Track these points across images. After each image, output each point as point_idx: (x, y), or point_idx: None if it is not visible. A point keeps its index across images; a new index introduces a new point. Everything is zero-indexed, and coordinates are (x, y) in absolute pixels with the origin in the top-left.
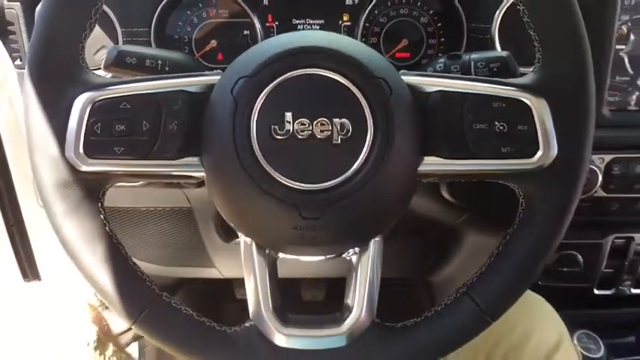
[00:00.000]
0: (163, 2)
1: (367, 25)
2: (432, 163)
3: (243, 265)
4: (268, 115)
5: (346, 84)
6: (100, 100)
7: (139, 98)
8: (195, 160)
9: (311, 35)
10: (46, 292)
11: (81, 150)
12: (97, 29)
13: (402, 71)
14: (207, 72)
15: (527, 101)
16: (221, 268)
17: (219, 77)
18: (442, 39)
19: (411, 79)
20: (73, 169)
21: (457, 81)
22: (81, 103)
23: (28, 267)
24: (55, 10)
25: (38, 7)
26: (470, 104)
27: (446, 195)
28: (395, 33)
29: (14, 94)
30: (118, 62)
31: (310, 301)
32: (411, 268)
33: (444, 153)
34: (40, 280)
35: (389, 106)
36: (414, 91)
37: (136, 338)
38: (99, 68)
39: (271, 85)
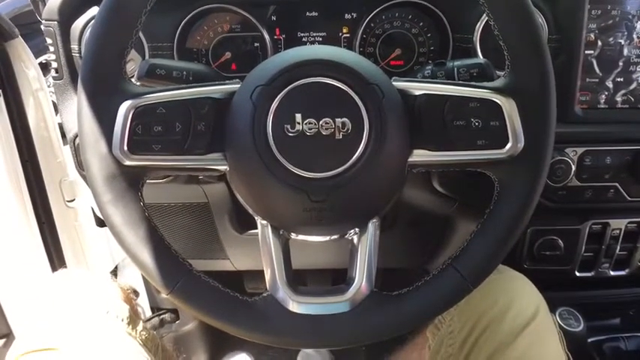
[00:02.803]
0: (184, 21)
1: (364, 36)
2: (420, 155)
3: (261, 245)
4: (282, 116)
5: (346, 89)
6: (140, 106)
7: (172, 104)
8: (219, 155)
9: (316, 49)
10: (80, 277)
11: (125, 147)
12: None
13: (394, 78)
14: (228, 81)
15: (498, 101)
16: (234, 261)
17: (239, 86)
18: (431, 47)
19: (400, 84)
20: (118, 164)
21: (439, 85)
22: (125, 109)
23: (57, 258)
24: (104, 33)
25: (75, 26)
26: (450, 104)
27: (437, 187)
28: (389, 43)
29: (45, 102)
30: (150, 74)
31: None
32: (410, 257)
33: (430, 146)
34: (66, 267)
35: (382, 108)
36: (403, 95)
37: (156, 327)
38: (132, 77)
39: (284, 92)
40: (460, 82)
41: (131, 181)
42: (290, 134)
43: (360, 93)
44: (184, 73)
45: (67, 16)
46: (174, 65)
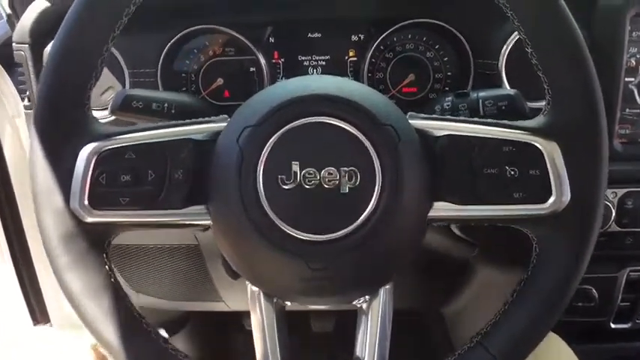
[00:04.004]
0: (170, 43)
1: (373, 60)
2: (442, 209)
3: (251, 313)
4: (275, 165)
5: (353, 132)
6: (105, 150)
7: (144, 147)
8: (201, 208)
9: (315, 81)
10: (53, 334)
11: (86, 201)
12: (105, 70)
13: (410, 114)
14: (213, 118)
15: (538, 145)
16: (229, 302)
17: (225, 124)
18: (449, 73)
19: (419, 123)
20: (77, 221)
21: (465, 124)
22: (86, 154)
23: (38, 310)
24: (63, 58)
25: (47, 50)
26: (479, 148)
27: (457, 232)
28: (401, 68)
29: (23, 130)
30: (125, 106)
31: (319, 332)
32: (422, 300)
33: (454, 198)
34: (49, 323)
35: (397, 153)
36: (422, 135)
37: None
38: (106, 108)
39: (277, 135)
40: (490, 120)
41: (93, 241)
42: (285, 187)
43: (371, 136)
44: (166, 105)
45: (39, 39)
46: (154, 96)
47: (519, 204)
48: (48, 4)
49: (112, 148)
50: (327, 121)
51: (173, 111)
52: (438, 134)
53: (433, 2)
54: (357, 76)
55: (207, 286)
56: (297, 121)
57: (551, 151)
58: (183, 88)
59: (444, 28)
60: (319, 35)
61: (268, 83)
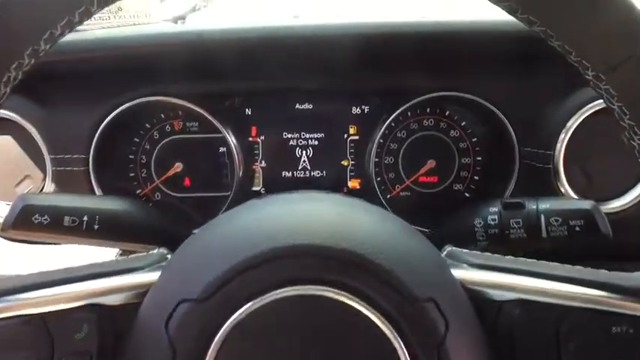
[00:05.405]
0: (109, 118)
1: (381, 140)
2: None
3: None
4: None
5: (367, 315)
6: None
7: (17, 324)
8: None
9: (300, 212)
10: None
11: None
12: (21, 154)
13: (449, 251)
14: (142, 258)
15: None
16: None
17: (157, 277)
18: (478, 157)
19: (467, 275)
20: None
21: (542, 281)
22: None
23: None
24: None
25: None
26: (570, 325)
27: None
28: (418, 151)
29: None
30: (23, 222)
31: None
32: None
33: None
34: None
35: (445, 351)
36: (475, 300)
37: None
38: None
39: (234, 319)
40: (583, 271)
41: None
42: None
43: (401, 326)
44: (85, 218)
45: None
46: (67, 207)
47: None
48: None
49: None
50: (321, 294)
51: (97, 226)
52: (501, 297)
53: (462, 70)
54: (359, 160)
55: None
56: (269, 296)
57: None
58: (131, 174)
59: (474, 101)
60: (310, 107)
61: (241, 170)
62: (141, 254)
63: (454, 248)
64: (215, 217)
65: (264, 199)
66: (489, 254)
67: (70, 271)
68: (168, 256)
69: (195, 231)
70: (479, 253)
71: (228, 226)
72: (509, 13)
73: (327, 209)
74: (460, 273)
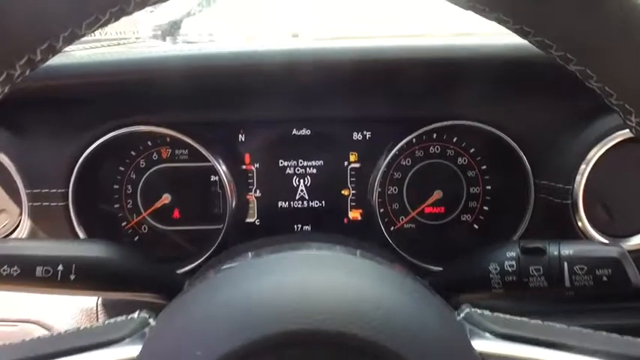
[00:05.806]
0: (91, 148)
1: (386, 169)
2: None
3: None
4: None
5: None
6: None
7: None
8: None
9: (304, 288)
10: None
11: None
12: None
13: (466, 313)
14: (114, 331)
15: None
16: None
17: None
18: (488, 186)
19: (495, 349)
20: None
21: (574, 356)
22: None
23: None
24: None
25: None
26: None
27: None
28: (424, 180)
29: None
30: None
31: None
32: None
33: None
34: None
35: None
36: None
37: None
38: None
39: None
40: (617, 341)
41: None
42: None
43: None
44: (60, 268)
45: None
46: (39, 255)
47: None
48: None
49: None
50: None
51: (73, 276)
52: None
53: (471, 99)
54: (361, 190)
55: None
56: None
57: None
58: (115, 205)
59: (482, 128)
60: (308, 132)
61: (234, 201)
62: (120, 320)
63: (472, 310)
64: (202, 275)
65: (263, 260)
66: (511, 318)
67: (38, 342)
68: (151, 321)
69: (186, 282)
70: (501, 317)
71: (219, 297)
72: (541, 48)
73: (331, 282)
74: (482, 345)
